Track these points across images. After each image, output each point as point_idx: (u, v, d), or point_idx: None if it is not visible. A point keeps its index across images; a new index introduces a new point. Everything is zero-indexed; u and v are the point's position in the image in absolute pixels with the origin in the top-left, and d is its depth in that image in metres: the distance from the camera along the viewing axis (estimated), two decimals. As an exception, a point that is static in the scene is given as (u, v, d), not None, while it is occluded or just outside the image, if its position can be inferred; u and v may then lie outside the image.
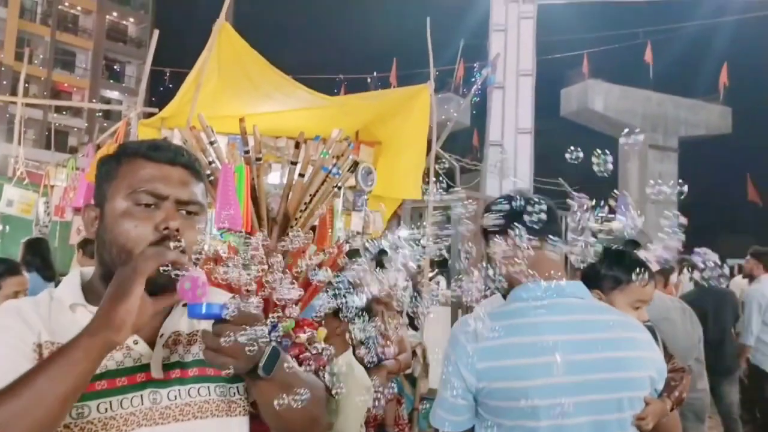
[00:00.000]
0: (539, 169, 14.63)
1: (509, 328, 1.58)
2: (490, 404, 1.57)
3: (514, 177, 12.91)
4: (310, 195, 2.69)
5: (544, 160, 19.31)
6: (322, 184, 2.70)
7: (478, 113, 15.14)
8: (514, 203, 1.66)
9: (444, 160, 9.03)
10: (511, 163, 12.99)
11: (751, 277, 6.04)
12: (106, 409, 1.13)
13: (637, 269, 2.02)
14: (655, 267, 3.25)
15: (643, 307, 2.05)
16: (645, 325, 1.81)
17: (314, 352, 2.32)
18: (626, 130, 18.83)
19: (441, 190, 3.36)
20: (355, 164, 3.27)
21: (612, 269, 2.06)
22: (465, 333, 1.61)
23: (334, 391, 1.42)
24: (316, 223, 2.83)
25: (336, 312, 2.53)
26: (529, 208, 1.58)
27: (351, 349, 2.69)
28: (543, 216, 1.57)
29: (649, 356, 1.63)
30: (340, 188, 3.13)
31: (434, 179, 5.13)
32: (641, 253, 2.86)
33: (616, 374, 1.56)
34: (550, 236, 1.63)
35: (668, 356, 1.91)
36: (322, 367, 2.34)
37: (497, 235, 1.63)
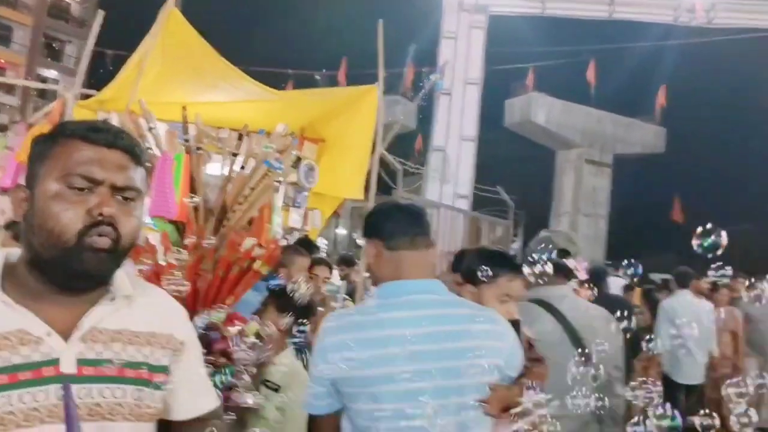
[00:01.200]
0: (480, 176, 14.90)
1: (360, 324, 1.81)
2: (343, 391, 1.78)
3: (455, 183, 13.10)
4: (250, 188, 2.67)
5: (486, 169, 19.66)
6: (263, 177, 2.69)
7: (424, 118, 15.31)
8: (383, 209, 1.96)
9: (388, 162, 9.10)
10: (453, 169, 13.17)
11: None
12: (4, 404, 1.07)
13: (506, 266, 2.25)
14: (582, 275, 3.39)
15: (510, 302, 2.21)
16: (512, 320, 1.99)
17: (244, 347, 2.31)
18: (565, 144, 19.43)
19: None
20: (298, 160, 3.27)
21: (481, 264, 2.21)
22: (324, 328, 1.82)
23: (279, 395, 1.47)
24: (254, 216, 2.82)
25: (275, 307, 2.52)
26: (395, 214, 1.90)
27: (290, 347, 2.69)
28: (408, 220, 1.87)
29: (499, 346, 1.82)
30: (281, 183, 3.12)
31: (376, 180, 5.17)
32: (570, 262, 2.98)
33: (459, 362, 1.75)
34: (416, 238, 1.86)
35: (528, 345, 2.03)
36: (250, 363, 2.33)
37: (366, 239, 1.93)
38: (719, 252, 1.56)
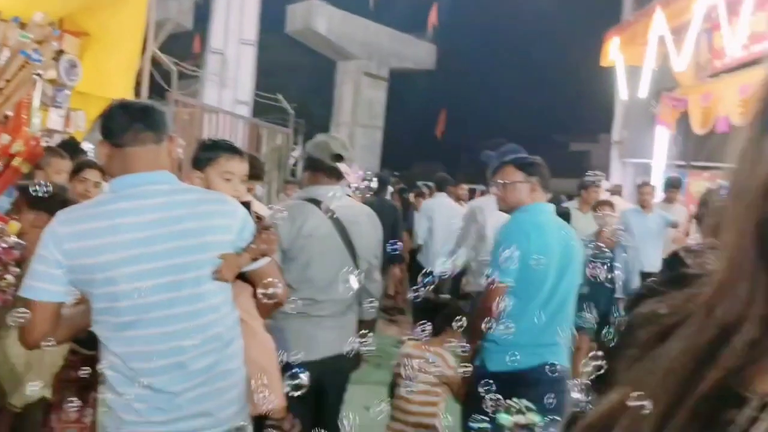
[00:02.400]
0: (261, 83, 14.66)
1: (93, 215, 1.92)
2: (80, 278, 1.89)
3: (235, 88, 12.78)
4: (6, 80, 2.46)
5: (267, 75, 19.32)
6: (20, 69, 2.48)
7: (202, 17, 14.47)
8: (110, 110, 2.04)
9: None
10: (232, 74, 12.78)
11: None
12: None
13: (223, 148, 2.55)
14: (353, 178, 3.67)
15: (234, 180, 2.50)
16: (243, 202, 2.23)
17: (4, 246, 2.21)
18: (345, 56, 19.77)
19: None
20: (59, 54, 3.01)
21: (202, 151, 2.56)
22: (59, 218, 1.91)
23: None
24: (10, 112, 2.60)
25: (31, 203, 2.41)
26: (119, 112, 1.99)
27: None
28: (132, 117, 1.96)
29: (228, 223, 2.01)
30: (40, 76, 2.89)
31: (148, 81, 4.93)
32: (342, 165, 3.21)
33: (191, 241, 1.92)
34: (140, 134, 1.96)
35: (258, 218, 2.29)
36: (12, 262, 2.25)
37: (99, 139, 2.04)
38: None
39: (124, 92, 5.10)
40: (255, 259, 2.09)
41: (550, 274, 2.95)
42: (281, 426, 2.29)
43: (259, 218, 2.39)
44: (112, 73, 5.07)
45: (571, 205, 6.60)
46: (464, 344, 2.97)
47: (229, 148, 2.57)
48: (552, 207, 3.22)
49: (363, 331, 3.13)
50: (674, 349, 0.56)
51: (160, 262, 1.88)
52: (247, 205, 2.24)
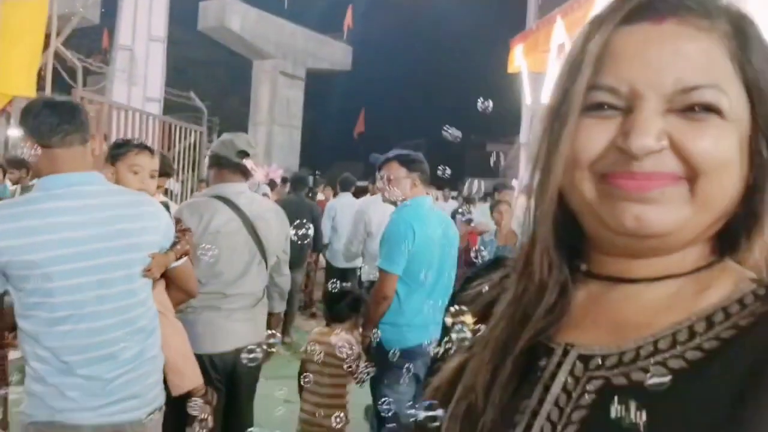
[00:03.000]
0: (174, 80, 14.34)
1: (25, 214, 1.96)
2: (13, 275, 1.94)
3: (145, 85, 12.47)
4: None
5: (180, 72, 18.91)
6: None
7: (110, 12, 14.00)
8: (33, 107, 2.04)
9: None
10: (141, 71, 12.46)
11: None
12: None
13: (131, 144, 2.74)
14: (260, 176, 3.76)
15: (142, 173, 2.66)
16: (161, 200, 2.41)
17: None
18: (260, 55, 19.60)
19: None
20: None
21: (118, 148, 2.73)
22: None
23: None
24: None
25: None
26: (44, 112, 2.00)
27: None
28: (58, 118, 1.99)
29: (156, 224, 2.17)
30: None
31: (51, 77, 4.80)
32: (248, 162, 3.29)
33: (125, 241, 2.07)
34: (68, 137, 2.01)
35: (178, 222, 2.51)
36: None
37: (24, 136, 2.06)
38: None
39: (26, 89, 4.95)
40: (178, 258, 2.32)
41: (434, 261, 3.24)
42: (203, 400, 2.53)
43: (178, 220, 2.59)
44: (13, 69, 4.90)
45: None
46: (365, 329, 3.24)
47: (139, 145, 2.76)
48: (431, 200, 3.50)
49: (271, 324, 3.26)
50: (496, 319, 0.68)
51: (94, 261, 1.99)
52: (166, 206, 2.43)
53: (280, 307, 3.38)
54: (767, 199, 0.61)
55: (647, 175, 0.58)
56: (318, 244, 7.17)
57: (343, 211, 7.05)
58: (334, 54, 23.00)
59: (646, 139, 0.57)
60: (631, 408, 0.55)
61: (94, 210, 2.02)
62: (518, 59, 11.99)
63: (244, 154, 3.18)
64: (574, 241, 0.67)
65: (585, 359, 0.62)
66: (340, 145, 32.10)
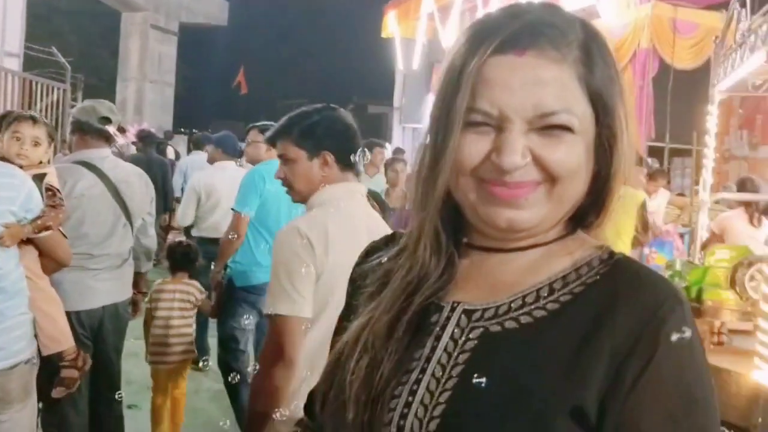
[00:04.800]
0: (34, 33, 13.39)
1: None
2: None
3: (2, 39, 11.60)
4: None
5: (40, 21, 17.56)
6: None
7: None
8: None
9: None
10: (-3, 23, 11.57)
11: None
12: None
13: (20, 114, 2.80)
14: (121, 140, 3.94)
15: (24, 140, 2.68)
16: (40, 173, 2.60)
17: None
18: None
19: None
20: None
21: (3, 118, 2.78)
22: None
23: None
24: None
25: None
26: None
27: None
28: None
29: (12, 195, 2.28)
30: None
31: None
32: (110, 128, 3.41)
33: None
34: None
35: (53, 195, 2.61)
36: None
37: None
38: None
39: None
40: (38, 232, 2.42)
41: (282, 210, 3.71)
42: (75, 363, 2.70)
43: (51, 191, 2.64)
44: None
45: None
46: (217, 265, 4.01)
47: (24, 114, 2.82)
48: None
49: (139, 283, 3.49)
50: (393, 286, 0.80)
51: None
52: (42, 176, 2.55)
53: (146, 267, 3.58)
54: (610, 185, 0.76)
55: (517, 184, 0.71)
56: (167, 204, 7.16)
57: (192, 168, 7.17)
58: (210, 8, 22.17)
59: (514, 157, 0.70)
60: (503, 349, 0.72)
61: None
62: (392, 25, 12.40)
63: (107, 120, 3.28)
64: (457, 218, 0.79)
65: (468, 313, 0.75)
66: (220, 103, 31.18)
